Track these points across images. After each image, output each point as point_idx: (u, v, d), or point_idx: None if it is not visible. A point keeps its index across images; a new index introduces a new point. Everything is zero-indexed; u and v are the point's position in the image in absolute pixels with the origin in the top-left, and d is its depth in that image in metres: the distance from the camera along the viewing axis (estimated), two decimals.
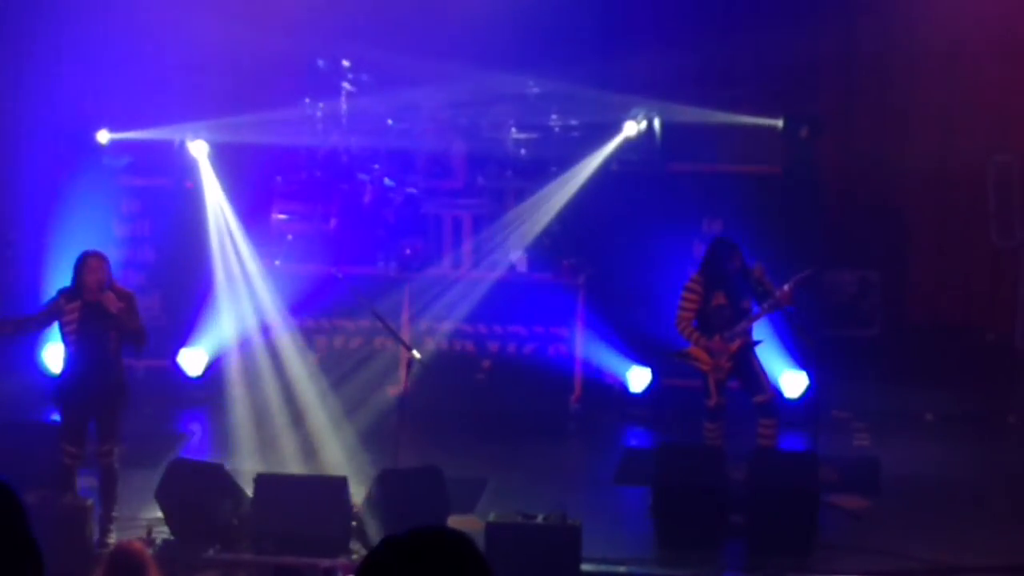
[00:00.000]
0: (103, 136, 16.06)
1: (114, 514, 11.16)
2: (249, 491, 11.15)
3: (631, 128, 15.89)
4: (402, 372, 14.69)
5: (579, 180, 15.68)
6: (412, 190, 15.84)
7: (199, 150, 15.98)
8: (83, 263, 10.95)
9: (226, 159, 16.14)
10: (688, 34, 16.71)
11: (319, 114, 16.14)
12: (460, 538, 3.55)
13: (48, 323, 11.14)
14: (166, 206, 16.16)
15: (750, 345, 12.64)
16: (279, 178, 16.18)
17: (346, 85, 16.01)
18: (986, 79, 16.60)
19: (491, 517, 10.74)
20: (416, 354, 12.60)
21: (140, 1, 16.67)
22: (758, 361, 12.70)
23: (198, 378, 15.53)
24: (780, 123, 15.86)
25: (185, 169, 16.14)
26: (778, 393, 13.32)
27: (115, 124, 16.08)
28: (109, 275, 11.01)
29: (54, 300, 11.03)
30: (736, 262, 12.53)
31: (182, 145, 16.02)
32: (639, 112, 15.91)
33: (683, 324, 12.62)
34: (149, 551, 7.92)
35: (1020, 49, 16.50)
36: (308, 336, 15.41)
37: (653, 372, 15.10)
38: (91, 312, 10.89)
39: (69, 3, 16.61)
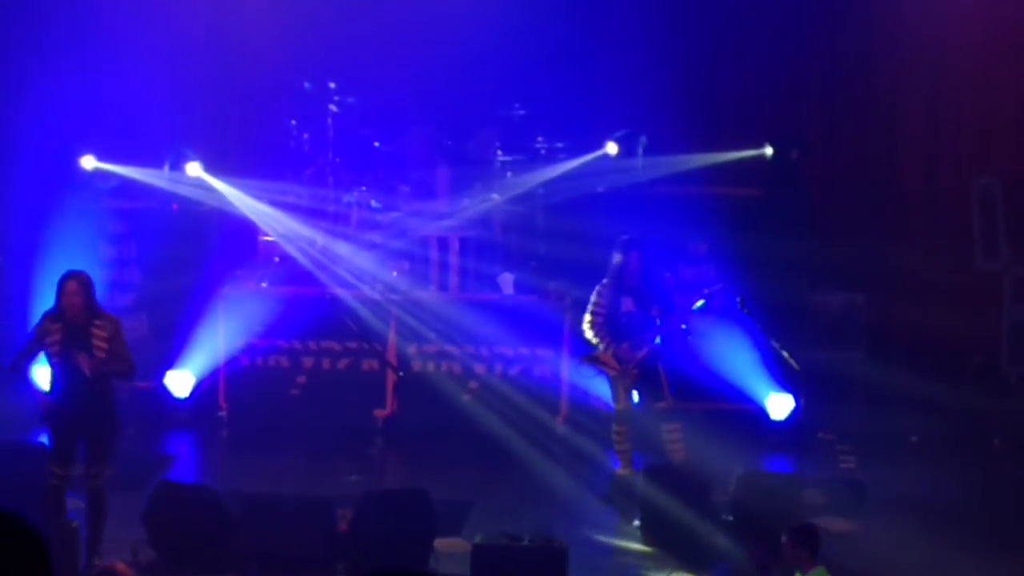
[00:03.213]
0: (88, 162, 16.05)
1: (101, 536, 11.12)
2: (235, 512, 11.14)
3: (612, 148, 16.00)
4: (389, 394, 14.74)
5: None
6: (398, 213, 15.86)
7: (195, 170, 16.03)
8: (62, 286, 10.87)
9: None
10: (672, 61, 16.78)
11: (305, 136, 16.19)
12: None
13: (40, 349, 11.05)
14: (153, 227, 16.16)
15: (657, 352, 12.78)
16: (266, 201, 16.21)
17: (332, 107, 16.05)
18: (968, 103, 16.70)
19: (477, 539, 10.73)
20: (401, 375, 12.63)
21: (126, 25, 16.71)
22: (663, 368, 12.85)
23: (184, 400, 15.51)
24: (767, 151, 15.93)
25: (171, 191, 16.17)
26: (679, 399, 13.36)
27: (101, 150, 16.08)
28: (90, 298, 10.90)
29: (39, 325, 10.97)
30: (640, 264, 12.73)
31: (171, 170, 16.06)
32: (622, 133, 16.01)
33: (593, 328, 12.84)
34: (134, 573, 7.90)
35: (1002, 73, 16.59)
36: (295, 357, 15.43)
37: (639, 395, 15.11)
38: (73, 334, 10.82)
39: (57, 25, 16.65)
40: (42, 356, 11.12)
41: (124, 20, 16.78)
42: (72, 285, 10.79)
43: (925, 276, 16.93)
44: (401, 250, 15.78)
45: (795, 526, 9.52)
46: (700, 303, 12.69)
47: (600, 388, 15.04)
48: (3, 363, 11.42)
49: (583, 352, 14.61)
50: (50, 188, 15.94)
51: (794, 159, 16.01)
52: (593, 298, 12.92)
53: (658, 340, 12.82)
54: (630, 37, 16.79)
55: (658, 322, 12.79)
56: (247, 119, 16.99)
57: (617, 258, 12.85)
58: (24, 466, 11.62)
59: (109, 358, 10.83)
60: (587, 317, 12.93)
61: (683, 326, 12.81)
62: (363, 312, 14.83)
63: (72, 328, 10.80)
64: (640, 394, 12.93)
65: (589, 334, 12.91)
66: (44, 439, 11.46)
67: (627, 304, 12.82)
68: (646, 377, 12.86)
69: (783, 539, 9.35)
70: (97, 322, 10.83)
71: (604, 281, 12.94)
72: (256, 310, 15.37)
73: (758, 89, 17.09)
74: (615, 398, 13.04)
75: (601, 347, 12.87)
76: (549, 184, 16.05)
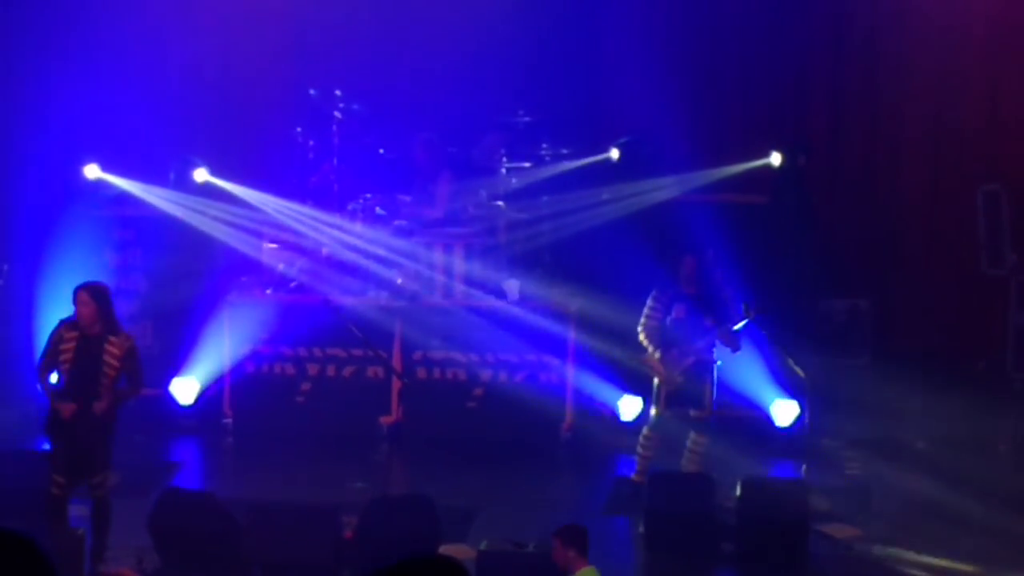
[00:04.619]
0: (91, 171, 16.04)
1: (105, 543, 11.12)
2: (241, 519, 11.15)
3: (615, 153, 16.05)
4: (394, 401, 14.74)
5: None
6: (402, 221, 15.86)
7: (202, 175, 16.08)
8: (75, 295, 10.94)
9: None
10: (677, 67, 16.77)
11: (311, 143, 16.20)
12: (452, 565, 3.60)
13: (55, 358, 11.07)
14: (157, 235, 16.15)
15: (706, 362, 12.77)
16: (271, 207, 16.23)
17: (337, 115, 16.06)
18: (974, 110, 16.69)
19: (482, 546, 10.73)
20: (406, 381, 12.63)
21: (131, 33, 16.74)
22: (711, 379, 12.86)
23: (190, 407, 15.51)
24: (775, 160, 15.90)
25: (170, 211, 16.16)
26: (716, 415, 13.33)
27: (105, 159, 16.08)
28: (105, 311, 10.90)
29: (56, 331, 11.02)
30: (695, 272, 12.74)
31: (177, 178, 16.09)
32: (626, 140, 16.05)
33: (645, 332, 12.83)
34: None
35: (1008, 78, 16.59)
36: (300, 365, 15.43)
37: (644, 401, 15.11)
38: (87, 345, 10.86)
39: (61, 34, 16.68)
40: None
41: (129, 28, 16.80)
42: (83, 295, 10.87)
43: (930, 282, 16.93)
44: (406, 257, 15.76)
45: (563, 526, 9.56)
46: (743, 324, 12.66)
47: (608, 393, 15.11)
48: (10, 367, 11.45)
49: (590, 359, 14.65)
50: (55, 196, 15.96)
51: (801, 166, 16.01)
52: (649, 302, 12.94)
53: (717, 357, 12.85)
54: (634, 44, 16.77)
55: (713, 330, 12.75)
56: (252, 126, 16.99)
57: (688, 265, 12.90)
58: (27, 475, 11.64)
59: (117, 379, 10.89)
60: (641, 320, 12.94)
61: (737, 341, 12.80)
62: (368, 319, 14.80)
63: (87, 340, 10.84)
64: (680, 401, 12.87)
65: (640, 337, 12.92)
66: (47, 448, 11.45)
67: (679, 311, 12.81)
68: (691, 385, 12.83)
69: (553, 539, 9.43)
70: (112, 338, 10.88)
71: (660, 287, 12.97)
72: (261, 317, 15.37)
73: (762, 96, 17.10)
74: (655, 403, 13.02)
75: (649, 351, 12.87)
76: (554, 191, 16.09)
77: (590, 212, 15.87)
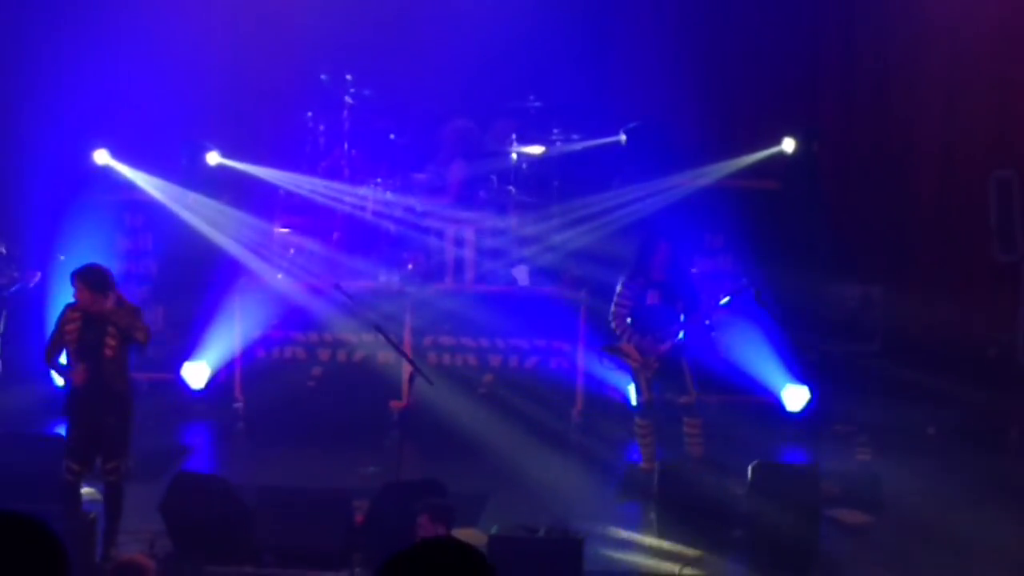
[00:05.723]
0: (101, 157, 16.05)
1: (117, 528, 11.14)
2: (251, 504, 11.17)
3: (623, 138, 16.06)
4: (405, 386, 14.74)
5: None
6: (414, 204, 15.85)
7: (214, 159, 16.11)
8: (71, 283, 11.03)
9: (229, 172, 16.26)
10: (688, 52, 16.75)
11: (321, 128, 16.20)
12: (467, 548, 3.61)
13: (62, 341, 11.15)
14: (169, 219, 16.16)
15: (681, 347, 12.81)
16: (281, 191, 16.24)
17: (348, 100, 16.06)
18: (985, 96, 16.65)
19: (493, 531, 10.74)
20: (421, 371, 12.61)
21: (142, 17, 16.74)
22: (687, 362, 12.89)
23: (201, 391, 15.53)
24: (788, 147, 15.84)
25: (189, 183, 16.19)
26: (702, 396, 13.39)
27: (116, 144, 16.09)
28: (102, 292, 10.91)
29: (61, 316, 11.10)
30: (667, 258, 12.83)
31: (188, 163, 16.11)
32: (634, 125, 16.05)
33: (617, 319, 12.91)
34: (153, 564, 7.93)
35: (1020, 64, 16.56)
36: (311, 349, 15.43)
37: (662, 388, 15.10)
38: (89, 323, 10.93)
39: (72, 18, 16.69)
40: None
41: (139, 13, 16.80)
42: (76, 283, 10.99)
43: (941, 268, 16.91)
44: (416, 242, 15.77)
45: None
46: (727, 299, 12.69)
47: (619, 379, 15.10)
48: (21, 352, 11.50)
49: (602, 343, 14.62)
50: (66, 180, 15.97)
51: (814, 152, 15.99)
52: (619, 289, 13.00)
53: (682, 335, 12.88)
54: (646, 30, 16.78)
55: (683, 317, 12.84)
56: (263, 111, 17.01)
57: (662, 251, 12.93)
58: (41, 458, 11.67)
59: (124, 343, 10.93)
60: (612, 308, 13.00)
61: (707, 321, 12.86)
62: (379, 304, 14.80)
63: (90, 318, 10.90)
64: (663, 387, 12.97)
65: (613, 324, 12.99)
66: (62, 431, 11.47)
67: (652, 297, 12.90)
68: (669, 371, 12.90)
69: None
70: (113, 313, 10.92)
71: (630, 273, 13.00)
72: (272, 302, 15.38)
73: (774, 81, 17.06)
74: (638, 390, 13.14)
75: (624, 338, 12.94)
76: (565, 177, 16.08)
77: (600, 219, 15.86)
